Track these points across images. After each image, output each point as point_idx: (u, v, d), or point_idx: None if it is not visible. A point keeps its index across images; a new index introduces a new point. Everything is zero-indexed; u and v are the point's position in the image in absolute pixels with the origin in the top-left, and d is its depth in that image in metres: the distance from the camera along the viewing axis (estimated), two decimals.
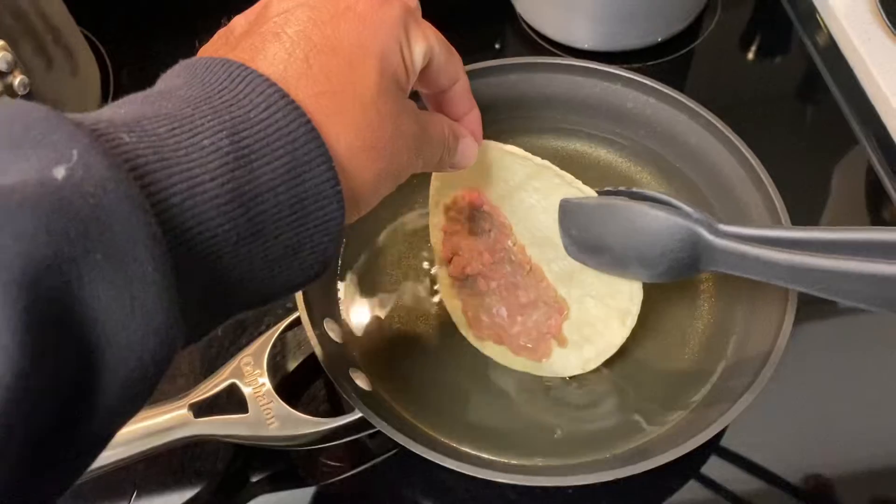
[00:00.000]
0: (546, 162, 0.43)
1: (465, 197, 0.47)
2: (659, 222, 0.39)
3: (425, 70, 0.34)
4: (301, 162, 0.26)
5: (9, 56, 0.47)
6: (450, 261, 0.48)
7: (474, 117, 0.40)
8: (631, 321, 0.44)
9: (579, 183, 0.43)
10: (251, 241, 0.26)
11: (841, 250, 0.34)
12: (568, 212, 0.42)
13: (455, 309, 0.48)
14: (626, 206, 0.40)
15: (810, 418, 0.47)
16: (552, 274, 0.46)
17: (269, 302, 0.29)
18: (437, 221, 0.48)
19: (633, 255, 0.41)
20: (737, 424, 0.40)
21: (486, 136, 0.54)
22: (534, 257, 0.46)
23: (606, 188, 0.43)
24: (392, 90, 0.31)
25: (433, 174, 0.46)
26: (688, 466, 0.45)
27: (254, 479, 0.46)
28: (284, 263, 0.28)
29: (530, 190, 0.45)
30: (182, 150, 0.24)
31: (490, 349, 0.47)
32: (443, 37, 0.35)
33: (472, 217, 0.48)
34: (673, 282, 0.41)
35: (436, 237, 0.48)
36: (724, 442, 0.46)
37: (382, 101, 0.30)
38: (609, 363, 0.45)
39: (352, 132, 0.29)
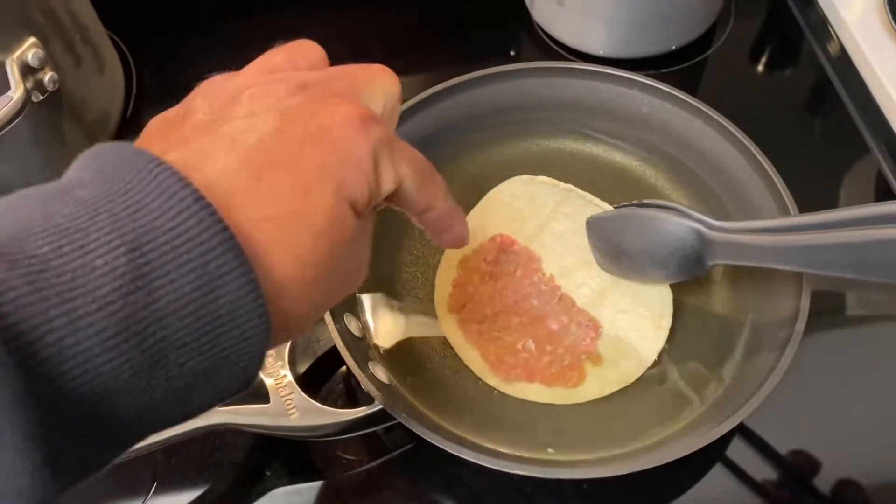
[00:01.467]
0: (570, 185, 0.52)
1: (495, 240, 0.51)
2: (664, 224, 0.44)
3: (393, 195, 0.31)
4: (214, 276, 0.23)
5: (40, 53, 0.48)
6: (462, 308, 0.49)
7: (455, 221, 0.36)
8: (667, 322, 0.47)
9: (598, 200, 0.51)
10: (150, 373, 0.22)
11: (821, 229, 0.38)
12: (592, 227, 0.49)
13: (474, 359, 0.47)
14: (637, 213, 0.46)
15: (830, 410, 0.48)
16: (582, 299, 0.48)
17: (182, 422, 0.25)
18: (445, 278, 0.50)
19: (646, 258, 0.46)
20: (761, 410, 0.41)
21: (505, 138, 0.56)
22: (563, 287, 0.49)
23: (623, 203, 0.48)
24: (348, 218, 0.27)
25: None
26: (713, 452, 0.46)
27: (271, 471, 0.46)
28: (195, 389, 0.24)
29: (560, 217, 0.51)
30: (67, 276, 0.21)
31: (521, 389, 0.46)
32: (422, 163, 0.32)
33: (497, 261, 0.50)
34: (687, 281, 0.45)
35: (442, 292, 0.49)
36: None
37: (336, 231, 0.27)
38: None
39: (295, 266, 0.25)
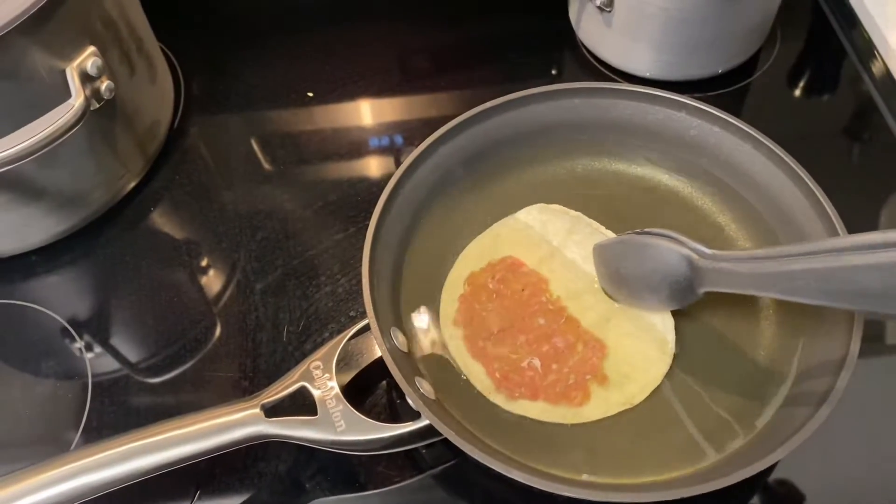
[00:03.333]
0: (579, 213, 0.53)
1: (505, 261, 0.52)
2: (657, 251, 0.45)
3: None
4: None
5: (99, 62, 0.49)
6: (467, 324, 0.49)
7: None
8: (670, 348, 0.47)
9: (603, 228, 0.52)
10: None
11: (812, 254, 0.38)
12: (598, 253, 0.50)
13: (478, 375, 0.47)
14: (634, 239, 0.47)
15: (866, 457, 0.47)
16: (588, 321, 0.49)
17: None
18: (451, 293, 0.50)
19: (643, 284, 0.47)
20: (787, 460, 0.40)
21: (550, 158, 0.56)
22: (569, 309, 0.49)
23: (627, 231, 0.49)
24: None
25: (469, 248, 0.52)
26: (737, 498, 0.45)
27: (313, 483, 0.46)
28: None
29: (571, 245, 0.52)
30: None
31: (524, 407, 0.46)
32: None
33: (505, 279, 0.51)
34: (679, 308, 0.47)
35: (448, 307, 0.50)
36: (774, 476, 0.46)
37: None
38: (676, 387, 0.46)
39: None
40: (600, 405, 0.46)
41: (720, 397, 0.46)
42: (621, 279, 0.49)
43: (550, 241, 0.52)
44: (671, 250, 0.44)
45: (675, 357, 0.48)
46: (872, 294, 0.35)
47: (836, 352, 0.43)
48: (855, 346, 0.42)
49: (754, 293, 0.42)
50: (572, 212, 0.53)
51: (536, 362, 0.47)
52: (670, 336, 0.48)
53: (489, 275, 0.51)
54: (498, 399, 0.46)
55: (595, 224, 0.53)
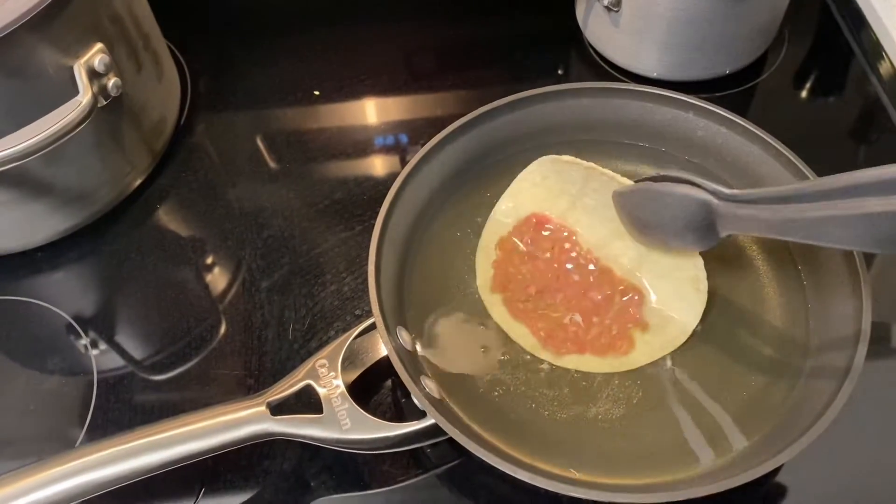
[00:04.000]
0: (591, 164, 0.52)
1: (530, 220, 0.52)
2: (677, 197, 0.45)
3: None
4: None
5: (106, 58, 0.49)
6: (505, 288, 0.50)
7: None
8: (703, 286, 0.48)
9: (619, 176, 0.51)
10: None
11: (830, 197, 0.38)
12: (618, 201, 0.50)
13: (523, 335, 0.48)
14: (652, 187, 0.47)
15: (871, 462, 0.47)
16: (622, 268, 0.50)
17: None
18: (485, 260, 0.51)
19: (666, 230, 0.47)
20: (792, 463, 0.40)
21: (553, 152, 0.56)
22: (602, 258, 0.50)
23: (642, 178, 0.49)
24: None
25: (494, 211, 0.53)
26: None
27: (318, 481, 0.46)
28: None
29: (590, 192, 0.52)
30: None
31: (573, 361, 0.47)
32: None
33: (535, 240, 0.51)
34: (708, 249, 0.47)
35: (484, 275, 0.50)
36: (778, 479, 0.46)
37: None
38: (681, 390, 0.46)
39: None
40: (646, 350, 0.47)
41: (735, 384, 0.46)
42: (644, 225, 0.49)
43: (569, 190, 0.52)
44: (689, 196, 0.44)
45: (692, 338, 0.48)
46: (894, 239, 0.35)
47: (848, 326, 0.44)
48: (867, 322, 0.43)
49: (774, 237, 0.42)
50: (584, 162, 0.53)
51: (578, 318, 0.48)
52: (702, 273, 0.48)
53: (518, 237, 0.51)
54: (547, 356, 0.47)
55: (609, 172, 0.52)
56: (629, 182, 0.51)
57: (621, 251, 0.50)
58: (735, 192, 0.43)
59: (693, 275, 0.48)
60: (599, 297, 0.49)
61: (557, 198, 0.52)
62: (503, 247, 0.52)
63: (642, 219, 0.49)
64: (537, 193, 0.53)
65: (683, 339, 0.47)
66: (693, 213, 0.44)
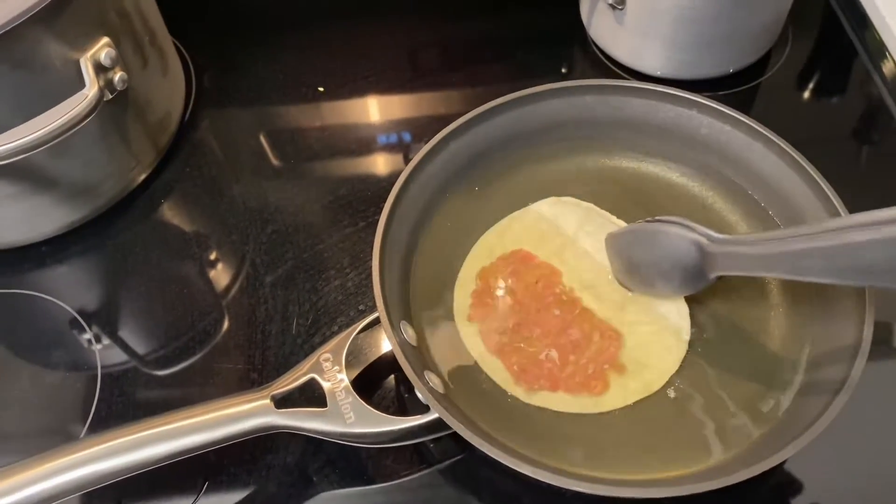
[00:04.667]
0: (590, 204, 0.54)
1: (516, 254, 0.52)
2: (667, 237, 0.46)
3: None
4: None
5: (113, 53, 0.49)
6: (482, 319, 0.49)
7: None
8: (685, 336, 0.48)
9: (614, 218, 0.52)
10: None
11: (806, 239, 0.38)
12: (610, 243, 0.51)
13: (497, 369, 0.48)
14: (645, 227, 0.48)
15: (874, 460, 0.47)
16: (603, 311, 0.49)
17: None
18: (464, 289, 0.50)
19: (654, 271, 0.48)
20: (795, 462, 0.41)
21: (560, 155, 0.56)
22: (583, 299, 0.50)
23: (637, 220, 0.49)
24: None
25: (479, 242, 0.53)
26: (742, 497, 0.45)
27: (321, 475, 0.46)
28: None
29: (583, 236, 0.53)
30: None
31: (544, 399, 0.46)
32: None
33: (517, 272, 0.51)
34: (691, 294, 0.48)
35: (462, 303, 0.50)
36: (781, 477, 0.46)
37: None
38: (686, 384, 0.46)
39: None
40: (619, 393, 0.46)
41: (734, 388, 0.46)
42: (634, 267, 0.49)
43: (563, 232, 0.52)
44: (681, 236, 0.45)
45: (688, 348, 0.48)
46: (878, 270, 0.35)
47: (848, 339, 0.44)
48: (868, 332, 0.42)
49: (763, 274, 0.43)
50: (584, 203, 0.53)
51: (554, 354, 0.47)
52: (685, 323, 0.48)
53: (500, 269, 0.51)
54: (518, 392, 0.46)
55: (606, 215, 0.53)
56: (624, 224, 0.52)
57: (605, 295, 0.50)
58: (725, 236, 0.44)
59: (676, 324, 0.48)
60: (578, 336, 0.48)
61: (549, 240, 0.52)
62: (484, 277, 0.51)
63: (633, 259, 0.49)
64: (528, 233, 0.53)
65: (658, 387, 0.46)
66: (683, 253, 0.45)
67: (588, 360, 0.47)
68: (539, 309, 0.49)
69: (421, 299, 0.50)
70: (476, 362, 0.48)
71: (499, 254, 0.52)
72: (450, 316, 0.50)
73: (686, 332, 0.48)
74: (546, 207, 0.54)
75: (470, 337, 0.49)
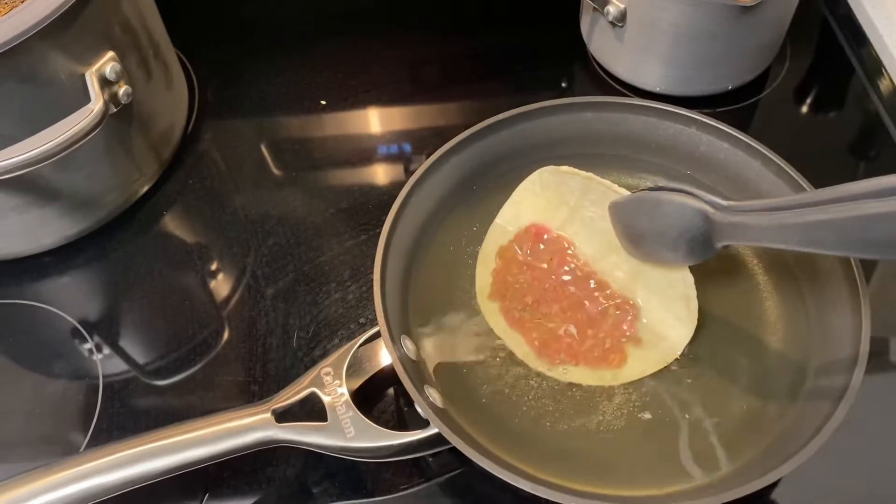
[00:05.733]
0: (590, 174, 0.52)
1: (529, 230, 0.52)
2: (672, 206, 0.45)
3: None
4: None
5: (118, 67, 0.50)
6: (503, 297, 0.50)
7: None
8: (694, 305, 0.48)
9: (616, 186, 0.51)
10: None
11: (818, 206, 0.38)
12: (614, 211, 0.50)
13: (518, 344, 0.49)
14: (649, 196, 0.47)
15: (870, 475, 0.47)
16: (617, 282, 0.50)
17: None
18: (485, 268, 0.52)
19: (660, 240, 0.47)
20: (789, 479, 0.41)
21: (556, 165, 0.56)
22: (598, 271, 0.50)
23: (641, 188, 0.49)
24: None
25: (495, 221, 0.53)
26: None
27: (320, 488, 0.47)
28: None
29: (587, 204, 0.52)
30: None
31: (566, 373, 0.48)
32: None
33: (533, 250, 0.51)
34: (697, 263, 0.47)
35: (483, 282, 0.51)
36: (774, 496, 0.46)
37: None
38: (681, 405, 0.47)
39: None
40: (637, 366, 0.47)
41: (735, 396, 0.47)
42: (638, 236, 0.49)
43: (567, 201, 0.53)
44: (686, 205, 0.44)
45: (691, 353, 0.48)
46: (889, 242, 0.35)
47: (847, 349, 0.44)
48: (865, 344, 0.43)
49: (770, 246, 0.42)
50: (582, 172, 0.53)
51: (573, 329, 0.48)
52: (692, 292, 0.48)
53: (517, 247, 0.52)
54: (540, 366, 0.48)
55: (607, 183, 0.52)
56: (626, 192, 0.51)
57: (616, 265, 0.51)
58: (731, 203, 0.43)
59: (683, 293, 0.48)
60: (595, 311, 0.49)
61: (556, 209, 0.53)
62: (503, 255, 0.52)
63: (637, 229, 0.49)
64: (537, 203, 0.53)
65: (674, 357, 0.48)
66: (689, 222, 0.44)
67: (606, 334, 0.48)
68: (556, 286, 0.50)
69: (422, 312, 0.50)
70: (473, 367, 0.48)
71: (514, 230, 0.53)
72: (451, 323, 0.50)
73: (694, 300, 0.48)
74: (547, 176, 0.54)
75: (492, 314, 0.50)
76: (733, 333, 0.49)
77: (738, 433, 0.45)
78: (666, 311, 0.49)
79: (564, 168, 0.54)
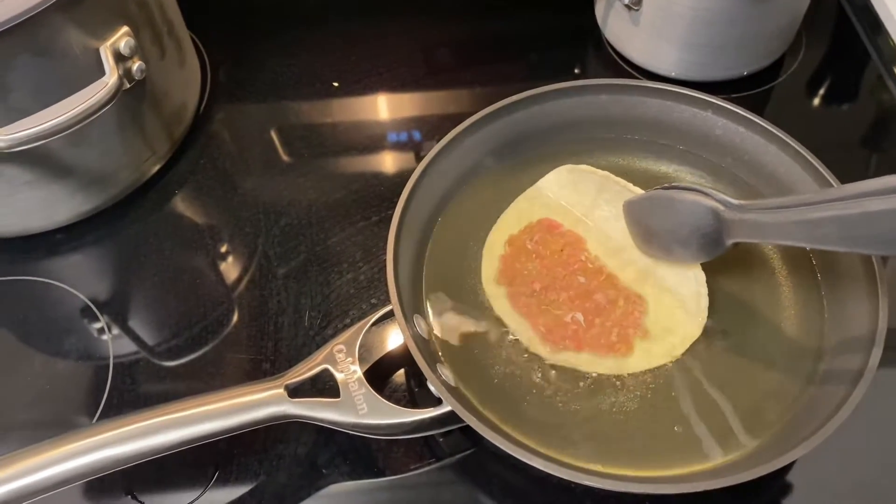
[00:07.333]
0: (606, 172, 0.54)
1: (541, 222, 0.53)
2: (684, 204, 0.46)
3: None
4: None
5: (132, 42, 0.50)
6: (510, 283, 0.50)
7: None
8: (704, 302, 0.49)
9: (631, 185, 0.53)
10: None
11: (825, 204, 0.39)
12: (628, 210, 0.51)
13: (523, 329, 0.49)
14: (662, 194, 0.48)
15: (880, 466, 0.47)
16: (627, 278, 0.50)
17: None
18: (492, 254, 0.52)
19: (672, 238, 0.48)
20: (803, 467, 0.41)
21: (574, 153, 0.57)
22: (608, 266, 0.51)
23: (654, 187, 0.50)
24: None
25: (506, 212, 0.54)
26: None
27: (331, 466, 0.46)
28: None
29: (602, 203, 0.53)
30: None
31: (569, 359, 0.47)
32: None
33: (544, 240, 0.51)
34: (708, 260, 0.48)
35: (489, 267, 0.51)
36: (790, 477, 0.46)
37: None
38: (695, 386, 0.46)
39: None
40: (643, 358, 0.47)
41: (752, 379, 0.46)
42: (651, 234, 0.50)
43: (582, 200, 0.53)
44: (698, 203, 0.45)
45: (707, 336, 0.48)
46: (893, 238, 0.36)
47: (864, 328, 0.44)
48: (883, 325, 0.43)
49: (780, 243, 0.43)
50: (600, 171, 0.54)
51: (580, 316, 0.48)
52: (703, 290, 0.49)
53: (527, 236, 0.52)
54: (544, 351, 0.48)
55: (623, 182, 0.53)
56: (641, 192, 0.52)
57: (629, 261, 0.51)
58: (742, 201, 0.44)
59: (695, 290, 0.49)
60: (603, 301, 0.49)
61: (571, 208, 0.53)
62: (513, 243, 0.52)
63: (650, 226, 0.50)
64: (550, 202, 0.54)
65: (681, 352, 0.47)
66: (700, 219, 0.45)
67: (613, 324, 0.48)
68: (565, 275, 0.50)
69: (434, 291, 0.50)
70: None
71: (526, 222, 0.53)
72: (460, 306, 0.50)
73: (705, 297, 0.49)
74: (565, 174, 0.54)
75: (497, 299, 0.50)
76: (749, 317, 0.49)
77: (755, 414, 0.45)
78: (676, 306, 0.49)
79: (583, 167, 0.54)
